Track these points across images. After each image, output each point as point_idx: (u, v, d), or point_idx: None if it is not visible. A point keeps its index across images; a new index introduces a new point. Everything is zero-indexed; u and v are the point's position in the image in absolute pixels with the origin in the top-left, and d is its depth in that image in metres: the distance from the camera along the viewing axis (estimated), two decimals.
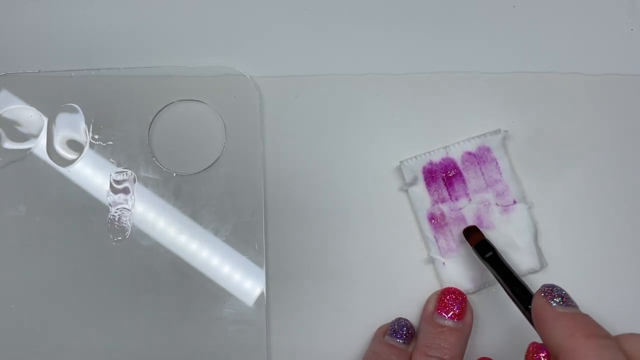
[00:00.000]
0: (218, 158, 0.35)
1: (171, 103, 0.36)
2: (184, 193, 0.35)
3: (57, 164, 0.35)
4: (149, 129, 0.36)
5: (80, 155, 0.36)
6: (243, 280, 0.34)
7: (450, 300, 0.32)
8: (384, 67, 0.37)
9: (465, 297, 0.32)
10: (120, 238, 0.34)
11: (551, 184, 0.35)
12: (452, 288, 0.32)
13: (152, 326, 0.34)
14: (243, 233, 0.34)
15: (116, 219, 0.35)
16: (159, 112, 0.36)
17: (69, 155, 0.36)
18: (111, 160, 0.35)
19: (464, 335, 0.31)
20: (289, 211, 0.35)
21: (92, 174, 0.35)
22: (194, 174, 0.35)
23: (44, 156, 0.35)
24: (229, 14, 0.38)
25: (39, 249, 0.34)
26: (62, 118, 0.36)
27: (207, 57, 0.37)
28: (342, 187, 0.35)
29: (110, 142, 0.36)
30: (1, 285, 0.34)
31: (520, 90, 0.36)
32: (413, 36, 0.37)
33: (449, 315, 0.31)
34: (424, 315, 0.32)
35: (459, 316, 0.31)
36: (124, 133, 0.36)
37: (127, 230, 0.35)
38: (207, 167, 0.35)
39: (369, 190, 0.35)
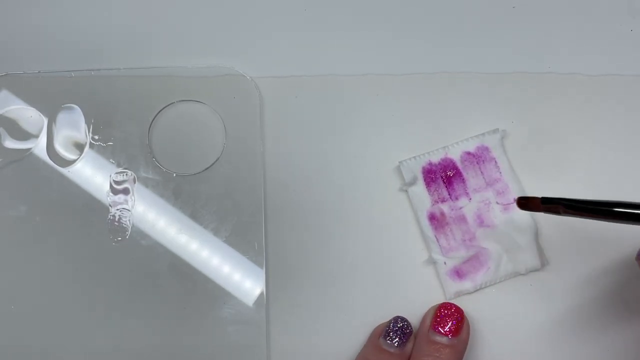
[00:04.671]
0: (218, 158, 0.35)
1: (171, 103, 0.36)
2: (184, 193, 0.35)
3: (57, 164, 0.35)
4: (149, 129, 0.36)
5: (80, 155, 0.36)
6: (243, 280, 0.34)
7: (447, 316, 0.31)
8: (384, 67, 0.37)
9: (462, 313, 0.32)
10: (120, 238, 0.34)
11: (551, 183, 0.35)
12: (449, 303, 0.32)
13: (151, 326, 0.33)
14: (243, 233, 0.34)
15: (116, 219, 0.35)
16: (159, 112, 0.36)
17: (69, 155, 0.36)
18: (111, 160, 0.35)
19: (458, 351, 0.31)
20: (289, 211, 0.35)
21: (92, 174, 0.35)
22: (194, 174, 0.35)
23: (44, 156, 0.35)
24: (229, 14, 0.38)
25: (39, 249, 0.34)
26: (62, 118, 0.36)
27: (207, 57, 0.37)
28: (342, 187, 0.35)
29: (110, 143, 0.36)
30: (1, 285, 0.34)
31: (520, 90, 0.36)
32: (413, 36, 0.37)
33: (444, 331, 0.31)
34: (420, 331, 0.32)
35: (455, 332, 0.31)
36: (124, 133, 0.36)
37: (127, 230, 0.35)
38: (207, 167, 0.35)
39: (369, 190, 0.35)
